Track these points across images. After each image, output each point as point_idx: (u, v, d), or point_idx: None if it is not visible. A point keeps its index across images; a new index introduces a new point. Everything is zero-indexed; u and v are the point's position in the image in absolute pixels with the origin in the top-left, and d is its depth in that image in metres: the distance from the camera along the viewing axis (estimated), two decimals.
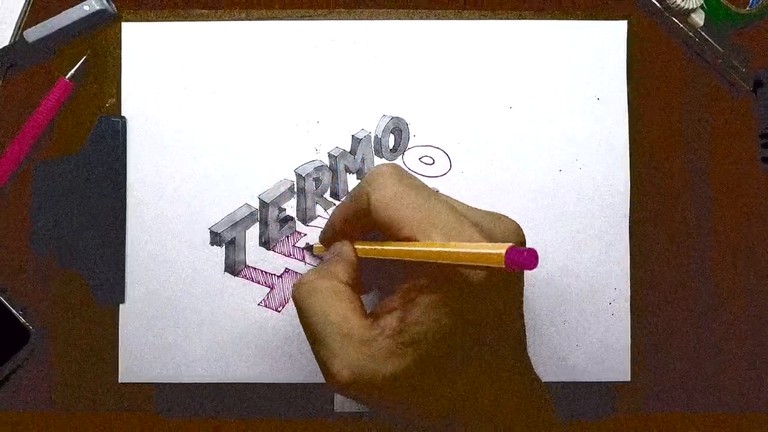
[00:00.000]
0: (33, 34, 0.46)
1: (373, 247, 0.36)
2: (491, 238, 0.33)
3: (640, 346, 0.46)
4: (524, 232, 0.37)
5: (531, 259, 0.27)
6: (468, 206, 0.36)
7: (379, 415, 0.36)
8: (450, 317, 0.32)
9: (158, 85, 0.46)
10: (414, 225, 0.33)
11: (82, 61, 0.46)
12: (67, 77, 0.46)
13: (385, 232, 0.35)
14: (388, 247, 0.34)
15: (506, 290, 0.34)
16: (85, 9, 0.45)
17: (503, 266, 0.27)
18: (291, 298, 0.37)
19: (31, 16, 0.47)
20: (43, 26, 0.46)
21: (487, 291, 0.32)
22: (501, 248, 0.27)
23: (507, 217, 0.36)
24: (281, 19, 0.46)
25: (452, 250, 0.30)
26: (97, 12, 0.45)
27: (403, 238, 0.33)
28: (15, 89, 0.46)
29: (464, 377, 0.33)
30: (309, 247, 0.46)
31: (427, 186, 0.36)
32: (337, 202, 0.46)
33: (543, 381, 0.43)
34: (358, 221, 0.37)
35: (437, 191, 0.37)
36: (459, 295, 0.32)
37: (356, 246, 0.38)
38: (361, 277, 0.37)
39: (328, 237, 0.40)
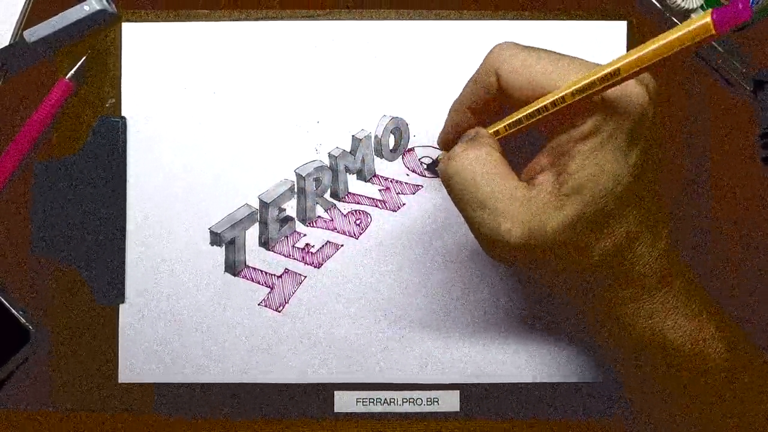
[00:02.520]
0: (33, 34, 0.45)
1: (517, 117, 0.36)
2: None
3: None
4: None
5: (743, 6, 0.25)
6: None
7: (541, 277, 0.37)
8: (611, 160, 0.32)
9: (158, 85, 0.46)
10: (555, 80, 0.33)
11: (82, 61, 0.46)
12: (67, 77, 0.46)
13: (521, 101, 0.35)
14: (534, 107, 0.34)
15: (655, 127, 0.34)
16: (85, 9, 0.45)
17: (713, 32, 0.27)
18: (441, 178, 0.37)
19: (30, 16, 0.46)
20: (43, 26, 0.45)
21: (643, 123, 0.33)
22: (705, 17, 0.27)
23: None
24: (281, 19, 0.46)
25: (620, 63, 0.31)
26: (98, 12, 0.45)
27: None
28: (15, 89, 0.46)
29: (624, 224, 0.33)
30: (435, 163, 0.45)
31: (549, 50, 0.35)
32: (337, 202, 0.46)
33: (542, 381, 0.44)
34: (487, 104, 0.37)
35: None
36: (617, 133, 0.32)
37: (491, 130, 0.38)
38: None
39: (451, 136, 0.40)
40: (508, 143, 0.38)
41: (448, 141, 0.41)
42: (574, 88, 0.32)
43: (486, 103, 0.37)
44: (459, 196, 0.36)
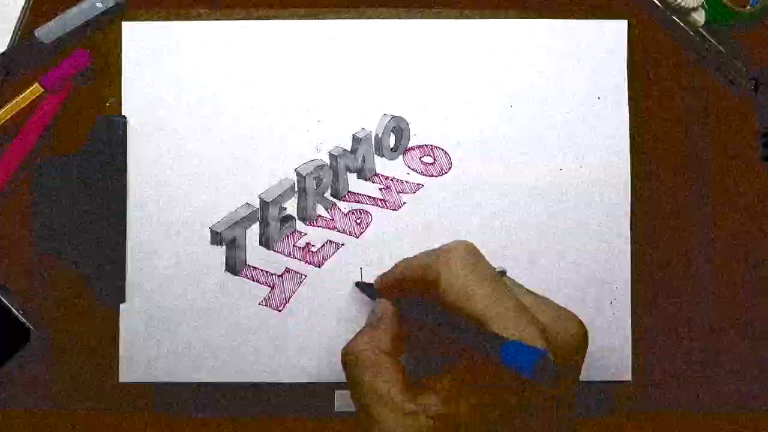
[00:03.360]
0: (47, 34, 0.45)
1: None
2: (554, 341, 0.34)
3: (641, 345, 0.46)
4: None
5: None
6: (539, 298, 0.37)
7: None
8: (498, 420, 0.34)
9: (158, 85, 0.46)
10: (479, 317, 0.34)
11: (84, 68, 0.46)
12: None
13: (448, 310, 0.36)
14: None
15: (558, 387, 0.35)
16: (98, 6, 0.45)
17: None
18: (342, 353, 0.38)
19: (30, 16, 0.46)
20: (55, 25, 0.45)
21: (538, 393, 0.34)
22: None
23: (575, 318, 0.37)
24: (281, 18, 0.46)
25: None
26: (111, 8, 0.45)
27: (465, 323, 0.35)
28: (16, 88, 0.46)
29: None
30: (364, 285, 0.45)
31: (498, 277, 0.36)
32: (338, 202, 0.46)
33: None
34: (422, 287, 0.38)
35: (506, 279, 0.38)
36: (507, 397, 0.33)
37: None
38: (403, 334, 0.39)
39: (388, 284, 0.42)
40: None
41: (383, 288, 0.43)
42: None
43: (424, 286, 0.38)
44: (350, 389, 0.37)
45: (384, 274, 0.43)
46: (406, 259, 0.41)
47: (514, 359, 0.29)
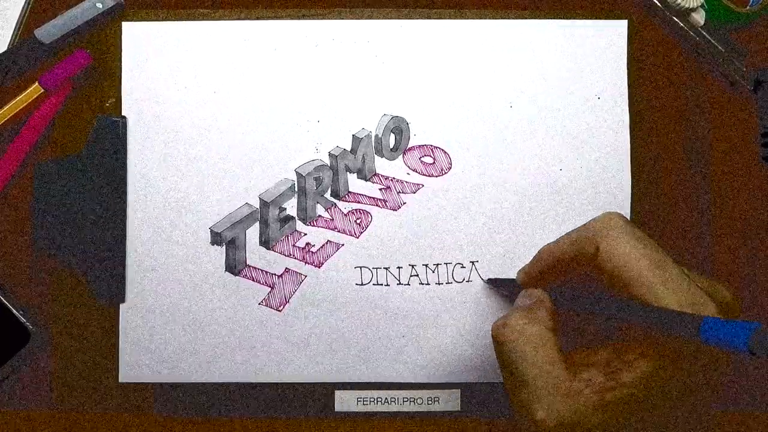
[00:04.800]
0: (47, 34, 0.45)
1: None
2: (720, 308, 0.34)
3: None
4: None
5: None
6: (685, 268, 0.37)
7: None
8: (666, 388, 0.33)
9: (158, 85, 0.46)
10: (646, 285, 0.34)
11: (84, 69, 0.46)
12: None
13: (608, 282, 0.36)
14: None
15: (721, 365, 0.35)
16: (98, 6, 0.45)
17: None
18: (492, 338, 0.37)
19: (30, 16, 0.46)
20: (55, 25, 0.45)
21: (708, 366, 0.34)
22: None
23: (727, 286, 0.37)
24: (281, 18, 0.46)
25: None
26: (111, 9, 0.45)
27: (627, 294, 0.35)
28: (15, 89, 0.46)
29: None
30: (498, 281, 0.45)
31: (657, 245, 0.36)
32: (338, 202, 0.46)
33: None
34: (575, 266, 0.38)
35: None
36: (680, 366, 0.33)
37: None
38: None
39: (533, 275, 0.41)
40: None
41: (529, 277, 0.42)
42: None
43: (577, 263, 0.38)
44: (503, 363, 0.37)
45: (527, 266, 0.42)
46: (548, 245, 0.40)
47: (718, 336, 0.28)
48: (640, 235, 0.36)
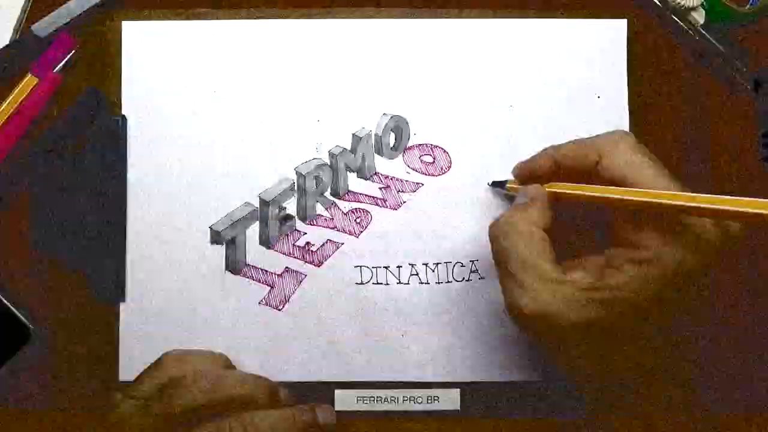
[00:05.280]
0: (42, 27, 0.45)
1: (584, 193, 0.38)
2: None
3: None
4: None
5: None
6: None
7: (539, 343, 0.40)
8: (655, 293, 0.35)
9: (158, 85, 0.46)
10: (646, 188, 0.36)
11: (71, 54, 0.46)
12: (54, 70, 0.46)
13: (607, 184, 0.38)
14: (611, 195, 0.37)
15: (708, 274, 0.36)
16: None
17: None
18: (488, 236, 0.39)
19: (31, 12, 0.46)
20: (51, 19, 0.45)
21: (700, 272, 0.35)
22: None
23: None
24: (281, 18, 0.47)
25: (710, 204, 0.32)
26: (107, 0, 0.46)
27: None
28: (14, 84, 0.46)
29: (634, 347, 0.37)
30: (499, 183, 0.45)
31: (664, 168, 0.37)
32: (338, 201, 0.46)
33: (542, 380, 0.44)
34: (572, 171, 0.40)
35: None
36: (678, 268, 0.35)
37: (557, 188, 0.40)
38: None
39: (526, 174, 0.42)
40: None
41: (524, 175, 0.43)
42: (672, 202, 0.34)
43: (575, 168, 0.40)
44: (497, 257, 0.39)
45: (526, 161, 0.43)
46: (553, 146, 0.42)
47: None
48: (648, 153, 0.38)
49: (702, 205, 0.33)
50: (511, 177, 0.44)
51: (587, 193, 0.38)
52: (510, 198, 0.45)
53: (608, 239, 0.39)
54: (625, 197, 0.36)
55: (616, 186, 0.37)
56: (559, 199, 0.39)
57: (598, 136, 0.40)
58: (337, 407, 0.45)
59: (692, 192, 0.34)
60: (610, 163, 0.37)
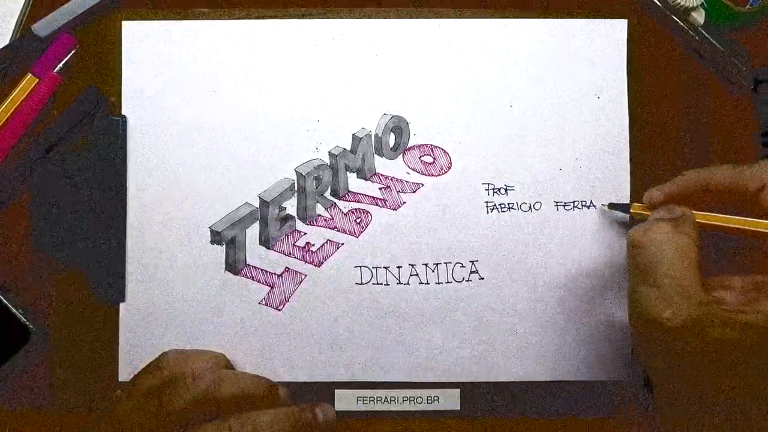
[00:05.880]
0: (42, 27, 0.45)
1: (738, 226, 0.39)
2: None
3: None
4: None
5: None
6: None
7: (656, 358, 0.38)
8: None
9: (158, 85, 0.46)
10: None
11: (71, 54, 0.46)
12: (54, 70, 0.46)
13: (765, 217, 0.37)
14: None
15: None
16: None
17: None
18: (630, 242, 0.38)
19: (31, 12, 0.46)
20: (51, 18, 0.45)
21: None
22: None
23: None
24: (281, 18, 0.47)
25: None
26: (105, 1, 0.46)
27: None
28: (15, 84, 0.46)
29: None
30: (619, 206, 0.45)
31: None
32: (338, 201, 0.46)
33: (543, 381, 0.44)
34: (725, 197, 0.39)
35: None
36: None
37: (707, 219, 0.40)
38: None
39: (666, 198, 0.42)
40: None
41: (660, 199, 0.42)
42: None
43: (731, 193, 0.39)
44: (639, 266, 0.37)
45: (664, 186, 0.42)
46: (695, 169, 0.41)
47: None
48: None
49: None
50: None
51: (739, 227, 0.38)
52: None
53: (755, 264, 0.39)
54: None
55: None
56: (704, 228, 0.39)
57: (759, 163, 0.39)
58: (337, 407, 0.45)
59: None
60: None
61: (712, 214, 0.39)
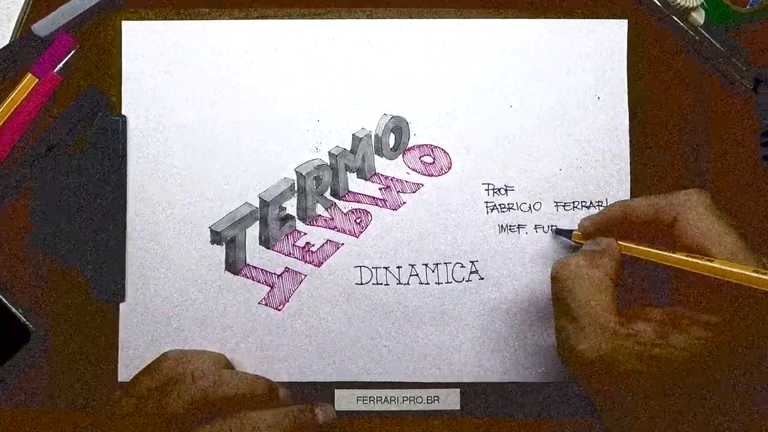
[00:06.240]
0: (43, 27, 0.45)
1: (655, 260, 0.38)
2: None
3: None
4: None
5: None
6: None
7: (600, 404, 0.38)
8: (716, 364, 0.34)
9: (158, 85, 0.46)
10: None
11: (71, 54, 0.46)
12: (54, 70, 0.46)
13: (684, 251, 0.37)
14: (678, 257, 0.37)
15: None
16: None
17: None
18: (551, 276, 0.39)
19: (31, 12, 0.46)
20: (51, 18, 0.46)
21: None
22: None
23: None
24: (281, 18, 0.47)
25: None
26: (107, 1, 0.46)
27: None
28: (15, 83, 0.46)
29: (694, 411, 0.35)
30: (563, 232, 0.45)
31: (741, 234, 0.37)
32: (338, 201, 0.46)
33: (543, 381, 0.44)
34: (645, 229, 0.40)
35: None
36: (738, 347, 0.34)
37: (627, 244, 0.40)
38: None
39: (595, 228, 0.42)
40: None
41: (592, 230, 0.43)
42: (743, 272, 0.34)
43: (649, 225, 0.39)
44: (560, 297, 0.38)
45: (594, 216, 0.43)
46: (622, 201, 0.42)
47: None
48: (726, 216, 0.37)
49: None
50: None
51: (657, 261, 0.38)
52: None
53: (673, 295, 0.39)
54: (700, 270, 0.35)
55: (689, 248, 0.37)
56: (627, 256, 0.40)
57: (673, 195, 0.39)
58: (337, 407, 0.45)
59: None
60: (686, 226, 0.37)
61: (634, 246, 0.39)
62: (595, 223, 0.42)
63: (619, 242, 0.40)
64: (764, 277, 0.33)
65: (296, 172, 0.46)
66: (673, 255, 0.37)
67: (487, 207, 0.46)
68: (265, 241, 0.46)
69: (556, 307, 0.39)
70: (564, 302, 0.38)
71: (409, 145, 0.46)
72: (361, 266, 0.46)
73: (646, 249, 0.39)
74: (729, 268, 0.34)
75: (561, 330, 0.38)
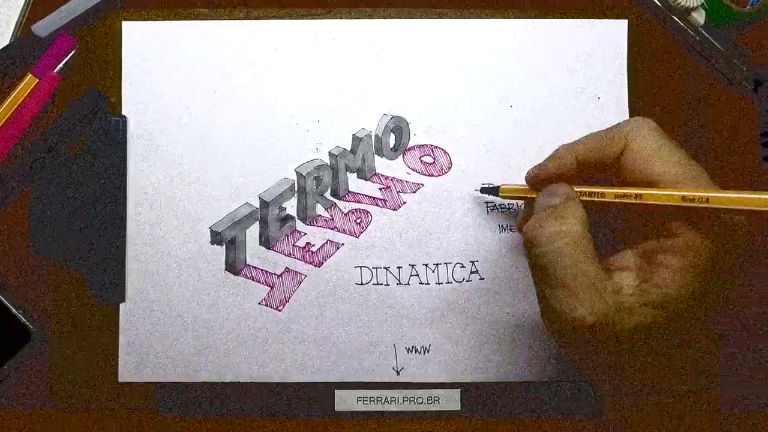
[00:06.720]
0: (42, 27, 0.45)
1: (620, 191, 0.37)
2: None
3: None
4: None
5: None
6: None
7: (583, 357, 0.37)
8: (701, 282, 0.34)
9: (158, 85, 0.46)
10: (672, 182, 0.35)
11: (71, 54, 0.46)
12: (54, 70, 0.46)
13: (633, 177, 0.36)
14: (640, 191, 0.36)
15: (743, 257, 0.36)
16: None
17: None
18: (525, 241, 0.37)
19: (31, 13, 0.47)
20: (51, 18, 0.46)
21: (739, 255, 0.34)
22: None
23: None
24: (281, 18, 0.47)
25: (732, 195, 0.33)
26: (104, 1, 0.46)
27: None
28: (14, 84, 0.46)
29: (689, 330, 0.35)
30: (489, 189, 0.44)
31: (687, 154, 0.36)
32: (338, 201, 0.46)
33: (543, 380, 0.44)
34: (597, 166, 0.38)
35: None
36: (714, 256, 0.34)
37: (581, 189, 0.38)
38: None
39: (545, 176, 0.40)
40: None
41: (540, 179, 0.40)
42: (693, 194, 0.34)
43: (598, 163, 0.38)
44: (539, 268, 0.36)
45: (540, 165, 0.40)
46: (566, 144, 0.40)
47: None
48: (672, 139, 0.37)
49: (734, 207, 0.33)
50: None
51: (617, 200, 0.36)
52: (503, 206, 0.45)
53: (637, 231, 0.37)
54: (660, 201, 0.35)
55: (639, 178, 0.36)
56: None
57: (618, 125, 0.38)
58: (337, 407, 0.45)
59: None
60: (633, 153, 0.36)
61: (594, 188, 0.38)
62: (541, 174, 0.40)
63: (577, 188, 0.38)
64: (691, 204, 0.33)
65: (296, 172, 0.46)
66: (628, 191, 0.36)
67: (487, 207, 0.46)
68: (266, 242, 0.46)
69: (536, 273, 0.36)
70: (548, 268, 0.35)
71: (410, 145, 0.46)
72: (361, 266, 0.46)
73: (609, 190, 0.37)
74: (680, 201, 0.34)
75: (548, 298, 0.35)
